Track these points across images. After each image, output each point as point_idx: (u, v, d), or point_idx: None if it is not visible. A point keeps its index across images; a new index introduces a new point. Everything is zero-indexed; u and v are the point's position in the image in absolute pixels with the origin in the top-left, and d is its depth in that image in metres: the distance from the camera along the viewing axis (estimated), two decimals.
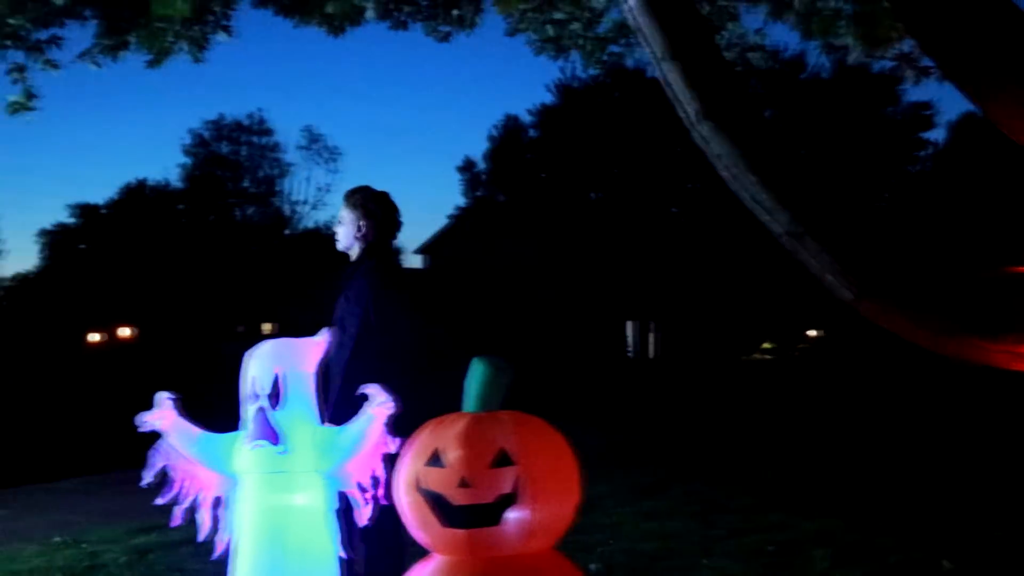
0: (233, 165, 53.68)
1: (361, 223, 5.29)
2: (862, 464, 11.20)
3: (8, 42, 5.79)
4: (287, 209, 53.72)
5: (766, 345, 48.10)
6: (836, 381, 26.75)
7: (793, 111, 40.10)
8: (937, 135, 54.51)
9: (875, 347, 29.10)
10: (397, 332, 4.83)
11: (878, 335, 5.67)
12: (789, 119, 39.03)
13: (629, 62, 7.38)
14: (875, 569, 6.43)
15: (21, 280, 53.44)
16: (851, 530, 7.55)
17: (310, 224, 54.09)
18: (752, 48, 6.70)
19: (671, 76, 4.07)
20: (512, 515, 3.53)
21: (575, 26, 6.56)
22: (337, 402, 4.73)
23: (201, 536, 4.32)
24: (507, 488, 3.52)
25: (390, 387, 4.19)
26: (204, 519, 4.28)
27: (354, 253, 5.34)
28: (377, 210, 5.32)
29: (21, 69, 6.00)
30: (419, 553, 3.83)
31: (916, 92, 52.15)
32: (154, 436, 4.31)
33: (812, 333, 47.67)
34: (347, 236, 5.34)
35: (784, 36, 57.19)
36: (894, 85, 40.87)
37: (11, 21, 5.60)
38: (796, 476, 10.42)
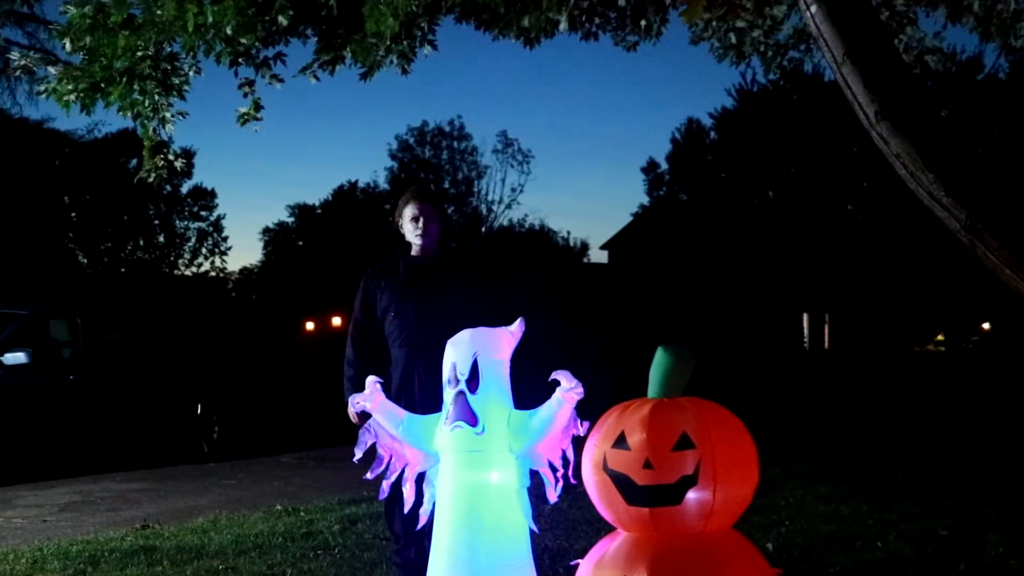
0: (435, 168, 54.46)
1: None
2: None
3: (240, 60, 6.04)
4: (483, 208, 54.27)
5: (939, 337, 46.44)
6: (1010, 374, 25.65)
7: (970, 111, 38.50)
8: None
9: None
10: None
11: None
12: (966, 119, 37.51)
13: (807, 67, 7.27)
14: None
15: (246, 273, 55.34)
16: None
17: (504, 222, 54.61)
18: (930, 51, 6.50)
19: (850, 79, 4.00)
20: (693, 495, 3.50)
21: (756, 33, 6.48)
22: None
23: (406, 508, 4.40)
24: (688, 470, 3.50)
25: None
26: (408, 493, 4.36)
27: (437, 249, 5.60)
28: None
29: (250, 84, 6.28)
30: (606, 529, 3.83)
31: None
32: (363, 416, 4.41)
33: (986, 326, 45.77)
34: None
35: (962, 38, 55.14)
36: None
37: (243, 41, 5.84)
38: (970, 464, 10.03)
